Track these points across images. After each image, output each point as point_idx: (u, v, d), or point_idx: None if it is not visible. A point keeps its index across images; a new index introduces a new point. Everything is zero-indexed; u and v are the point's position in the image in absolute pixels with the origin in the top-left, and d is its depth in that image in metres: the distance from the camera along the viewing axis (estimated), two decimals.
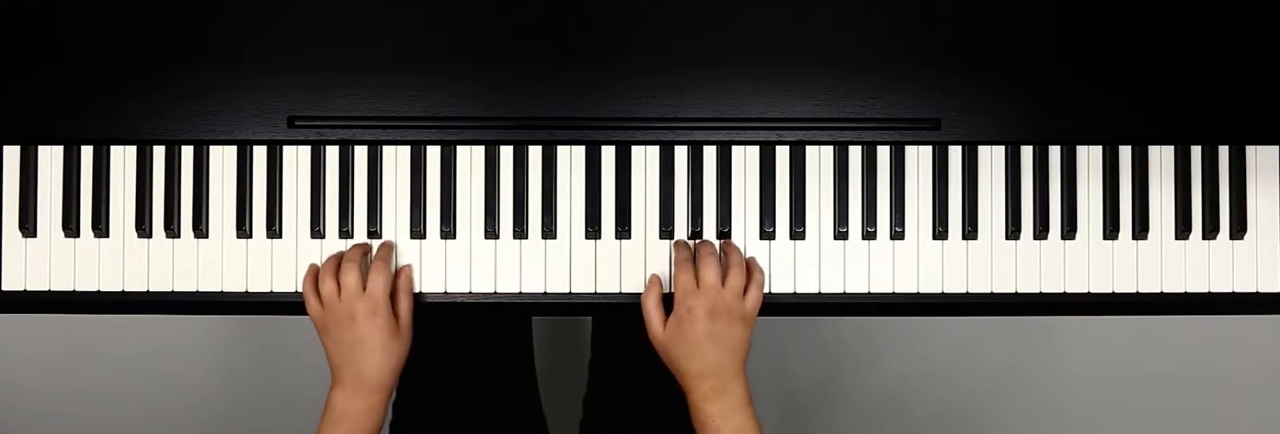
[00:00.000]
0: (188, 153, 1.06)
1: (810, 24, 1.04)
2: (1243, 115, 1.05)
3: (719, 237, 1.06)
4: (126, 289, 1.06)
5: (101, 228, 1.06)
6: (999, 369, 1.79)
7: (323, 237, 1.06)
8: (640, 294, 1.04)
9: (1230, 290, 1.07)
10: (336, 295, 0.99)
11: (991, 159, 1.06)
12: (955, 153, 1.06)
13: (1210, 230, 1.06)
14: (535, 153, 1.06)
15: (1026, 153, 1.06)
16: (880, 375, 1.79)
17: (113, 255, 1.06)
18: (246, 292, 1.06)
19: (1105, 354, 1.78)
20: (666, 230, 1.05)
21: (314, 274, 1.02)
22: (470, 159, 1.06)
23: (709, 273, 0.99)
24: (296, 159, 1.06)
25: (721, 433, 0.95)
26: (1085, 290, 1.06)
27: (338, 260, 1.02)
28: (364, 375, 0.99)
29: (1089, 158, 1.07)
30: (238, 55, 1.04)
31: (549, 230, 1.05)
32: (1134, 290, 1.06)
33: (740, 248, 1.05)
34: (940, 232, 1.06)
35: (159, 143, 1.06)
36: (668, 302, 1.02)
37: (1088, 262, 1.06)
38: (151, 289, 1.06)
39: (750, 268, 1.03)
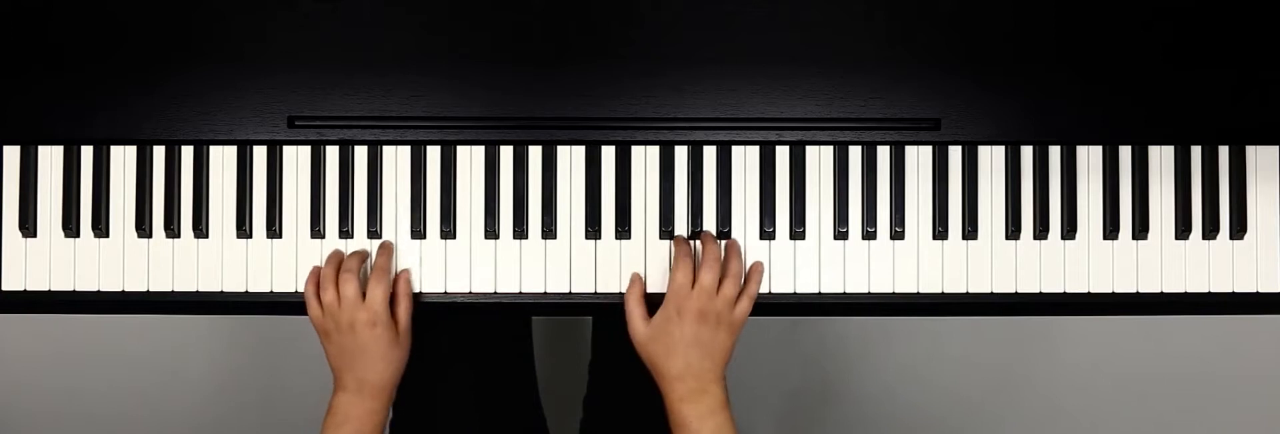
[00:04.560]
0: (188, 153, 1.06)
1: (810, 24, 1.04)
2: (1243, 115, 1.05)
3: (719, 237, 1.06)
4: (126, 289, 1.06)
5: (101, 228, 1.06)
6: (999, 369, 1.79)
7: (323, 237, 1.06)
8: None
9: (1230, 290, 1.06)
10: (337, 304, 1.00)
11: (991, 159, 1.06)
12: (955, 153, 1.06)
13: (1210, 230, 1.06)
14: (535, 153, 1.06)
15: (1026, 153, 1.06)
16: (880, 375, 1.79)
17: (113, 255, 1.06)
18: (246, 292, 1.06)
19: (1105, 354, 1.78)
20: (666, 230, 1.05)
21: (315, 278, 1.02)
22: (470, 159, 1.06)
23: (707, 276, 0.99)
24: (296, 159, 1.06)
25: None
26: (1085, 290, 1.06)
27: (336, 266, 1.02)
28: (367, 381, 0.99)
29: (1089, 158, 1.07)
30: (238, 55, 1.04)
31: (549, 230, 1.05)
32: (1134, 290, 1.06)
33: (741, 249, 1.05)
34: (940, 232, 1.06)
35: (159, 143, 1.06)
36: (651, 302, 1.02)
37: (1088, 262, 1.06)
38: (151, 289, 1.06)
39: (749, 278, 1.03)
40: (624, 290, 1.05)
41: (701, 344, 0.98)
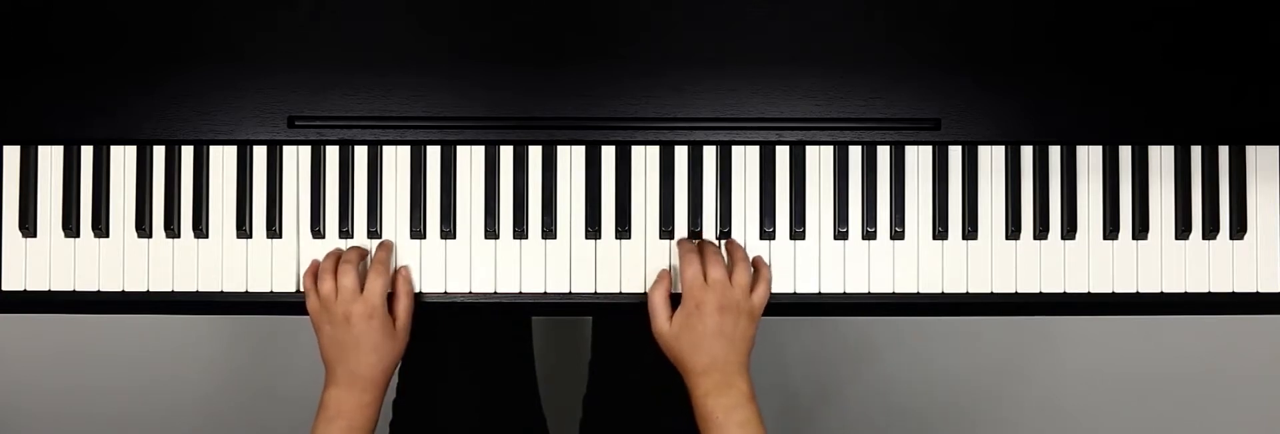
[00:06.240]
0: (188, 153, 1.06)
1: (810, 24, 1.04)
2: (1243, 115, 1.05)
3: (720, 237, 1.06)
4: (126, 289, 1.06)
5: (101, 228, 1.06)
6: (999, 369, 1.79)
7: (323, 237, 1.06)
8: (641, 293, 1.04)
9: (1230, 290, 1.07)
10: (334, 296, 1.00)
11: (991, 159, 1.06)
12: (955, 153, 1.06)
13: (1210, 230, 1.06)
14: (535, 153, 1.06)
15: (1026, 153, 1.06)
16: (880, 375, 1.79)
17: (113, 255, 1.06)
18: (246, 292, 1.06)
19: (1105, 354, 1.78)
20: (666, 230, 1.05)
21: (314, 271, 1.03)
22: (470, 159, 1.06)
23: (715, 270, 0.99)
24: (296, 159, 1.06)
25: (726, 428, 0.95)
26: (1085, 290, 1.06)
27: (336, 259, 1.02)
28: (358, 374, 0.99)
29: (1089, 158, 1.07)
30: (238, 55, 1.04)
31: (549, 230, 1.05)
32: (1134, 290, 1.06)
33: (742, 247, 1.05)
34: (940, 232, 1.06)
35: (159, 143, 1.06)
36: (675, 299, 1.02)
37: (1088, 262, 1.06)
38: (151, 289, 1.06)
39: (758, 264, 1.03)
40: (623, 290, 1.05)
41: (724, 336, 0.98)
